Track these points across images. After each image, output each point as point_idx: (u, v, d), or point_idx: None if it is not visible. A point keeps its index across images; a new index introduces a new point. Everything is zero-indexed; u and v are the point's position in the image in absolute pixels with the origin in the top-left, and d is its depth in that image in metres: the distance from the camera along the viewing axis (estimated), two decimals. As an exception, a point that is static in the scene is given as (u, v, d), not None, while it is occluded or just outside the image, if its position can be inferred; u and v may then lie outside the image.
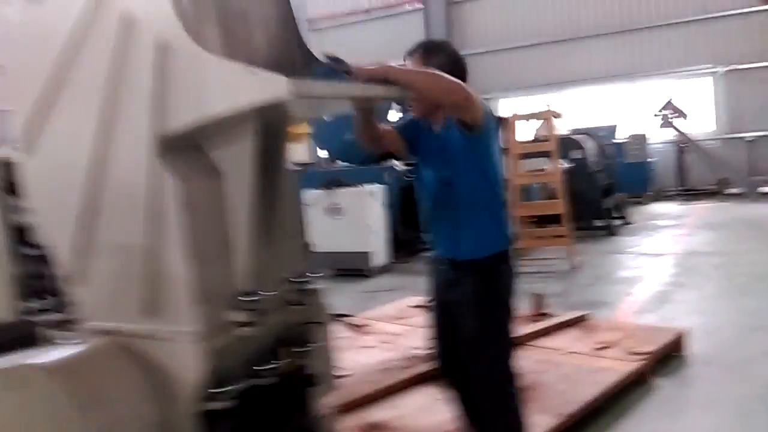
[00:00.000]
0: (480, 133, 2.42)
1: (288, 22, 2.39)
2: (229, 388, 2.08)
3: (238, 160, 2.01)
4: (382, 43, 16.38)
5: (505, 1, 15.72)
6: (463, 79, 2.41)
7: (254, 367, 2.23)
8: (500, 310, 2.61)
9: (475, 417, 2.73)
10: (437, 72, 2.25)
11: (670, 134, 13.24)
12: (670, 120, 12.94)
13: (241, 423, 2.19)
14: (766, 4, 12.91)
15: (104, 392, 1.96)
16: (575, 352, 4.10)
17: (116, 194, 2.06)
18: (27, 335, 2.65)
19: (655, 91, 14.07)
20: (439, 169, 2.58)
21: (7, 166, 4.31)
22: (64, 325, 2.41)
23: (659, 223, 10.62)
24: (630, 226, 10.50)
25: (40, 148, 2.20)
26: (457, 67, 2.47)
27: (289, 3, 2.40)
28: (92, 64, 1.91)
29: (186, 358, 2.00)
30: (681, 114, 12.90)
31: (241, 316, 2.08)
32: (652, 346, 4.01)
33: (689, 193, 13.24)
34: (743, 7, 13.39)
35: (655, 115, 13.06)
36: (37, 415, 1.93)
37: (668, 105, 12.94)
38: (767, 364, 4.15)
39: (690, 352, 4.36)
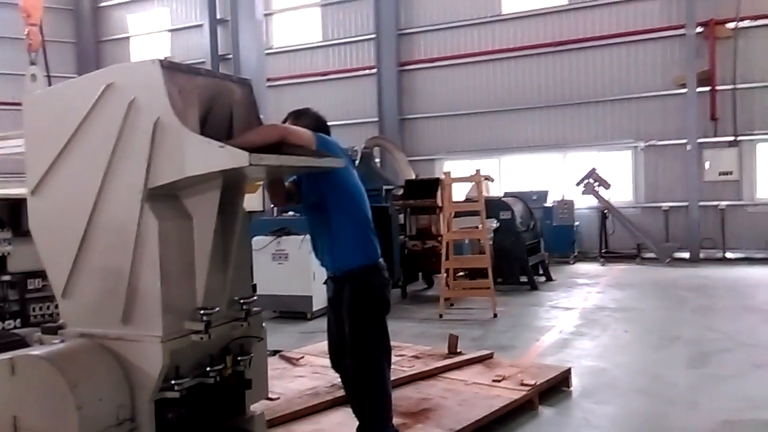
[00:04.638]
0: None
1: (250, 107, 3.13)
2: (181, 381, 2.71)
3: (204, 207, 2.71)
4: (338, 102, 17.40)
5: (450, 72, 16.99)
6: (327, 131, 3.41)
7: (203, 368, 2.87)
8: (372, 312, 3.39)
9: (354, 398, 3.52)
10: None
11: (595, 201, 14.44)
12: (594, 188, 14.19)
13: (188, 411, 2.81)
14: (681, 87, 14.47)
15: (88, 376, 2.56)
16: (476, 383, 4.81)
17: (108, 228, 2.72)
18: (11, 341, 3.23)
19: (582, 161, 15.37)
20: (310, 195, 3.38)
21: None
22: (48, 330, 2.98)
23: (578, 281, 11.58)
24: (552, 282, 11.44)
25: (47, 190, 2.85)
26: (319, 123, 3.44)
27: (252, 92, 3.14)
28: (103, 133, 2.60)
29: (150, 355, 2.64)
30: (603, 183, 14.16)
31: (196, 326, 2.74)
32: (538, 380, 4.77)
33: (610, 256, 14.38)
34: (662, 90, 14.98)
35: (578, 184, 14.30)
36: (38, 392, 2.52)
37: (591, 174, 14.20)
38: (636, 399, 4.95)
39: (575, 387, 5.14)
